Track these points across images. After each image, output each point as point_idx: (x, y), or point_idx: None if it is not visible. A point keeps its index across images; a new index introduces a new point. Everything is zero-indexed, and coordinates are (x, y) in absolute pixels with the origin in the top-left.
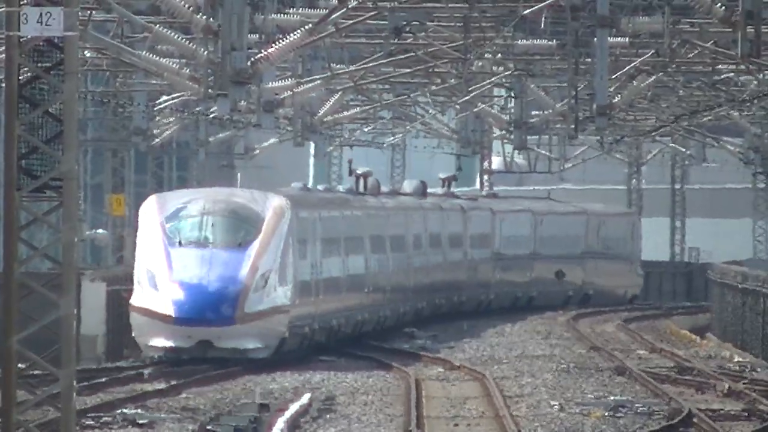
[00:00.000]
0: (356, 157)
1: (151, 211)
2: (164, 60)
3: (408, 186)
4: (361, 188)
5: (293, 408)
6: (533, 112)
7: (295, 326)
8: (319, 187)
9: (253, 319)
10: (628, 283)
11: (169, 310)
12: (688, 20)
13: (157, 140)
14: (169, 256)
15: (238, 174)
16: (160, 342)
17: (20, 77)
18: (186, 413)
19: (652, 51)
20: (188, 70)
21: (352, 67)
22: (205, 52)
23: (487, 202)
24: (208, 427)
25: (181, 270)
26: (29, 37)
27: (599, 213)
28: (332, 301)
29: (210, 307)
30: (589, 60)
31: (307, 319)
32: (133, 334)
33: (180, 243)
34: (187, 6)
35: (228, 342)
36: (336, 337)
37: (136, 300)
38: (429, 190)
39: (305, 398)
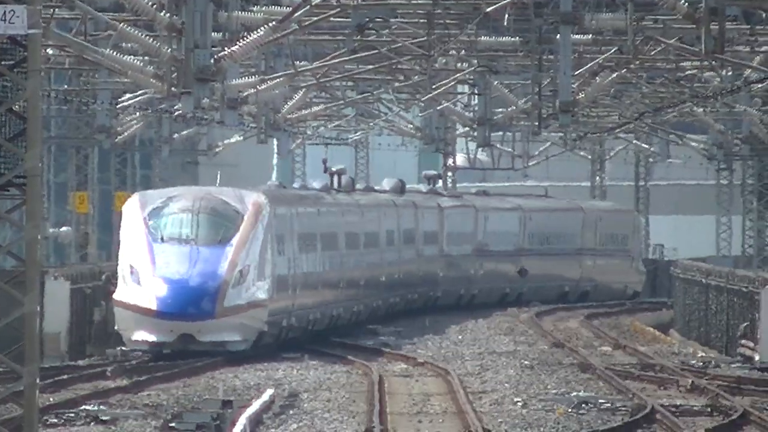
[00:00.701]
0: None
1: (134, 208)
2: (128, 57)
3: (387, 184)
4: (336, 185)
5: (256, 404)
6: (497, 109)
7: (273, 320)
8: (295, 185)
9: (233, 313)
10: (628, 279)
11: (152, 305)
12: (652, 17)
13: (120, 137)
14: (152, 252)
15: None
16: (143, 336)
17: None
18: (149, 410)
19: (616, 48)
20: (152, 68)
21: (315, 64)
22: (169, 50)
23: (472, 199)
24: (171, 424)
25: (163, 266)
26: None
27: (596, 209)
28: (308, 296)
29: (191, 302)
30: (553, 57)
31: (284, 313)
32: (116, 328)
33: (162, 239)
34: (150, 4)
35: (209, 336)
36: (312, 330)
37: (119, 295)
38: (413, 188)
39: (268, 394)
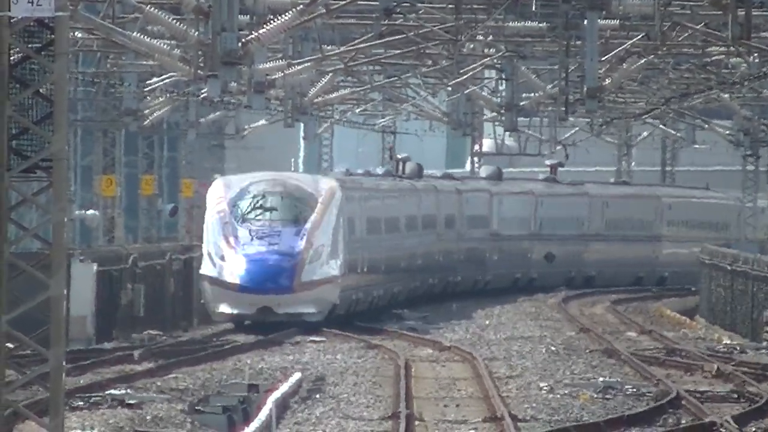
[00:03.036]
0: (347, 138)
1: (217, 191)
2: (155, 41)
3: (484, 171)
4: (401, 172)
5: (283, 388)
6: (524, 95)
7: (344, 295)
8: (359, 171)
9: (309, 288)
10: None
11: (235, 280)
12: (679, 2)
13: (147, 121)
14: (235, 232)
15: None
16: (227, 308)
17: (11, 58)
18: (175, 393)
19: (643, 33)
20: (179, 51)
21: (342, 49)
22: (196, 33)
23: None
24: (197, 408)
25: (245, 244)
26: (20, 17)
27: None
28: (373, 273)
29: (270, 278)
30: (580, 42)
31: (353, 289)
32: (202, 301)
33: (244, 220)
34: None
35: (286, 308)
36: (376, 305)
37: (205, 270)
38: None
39: (295, 378)
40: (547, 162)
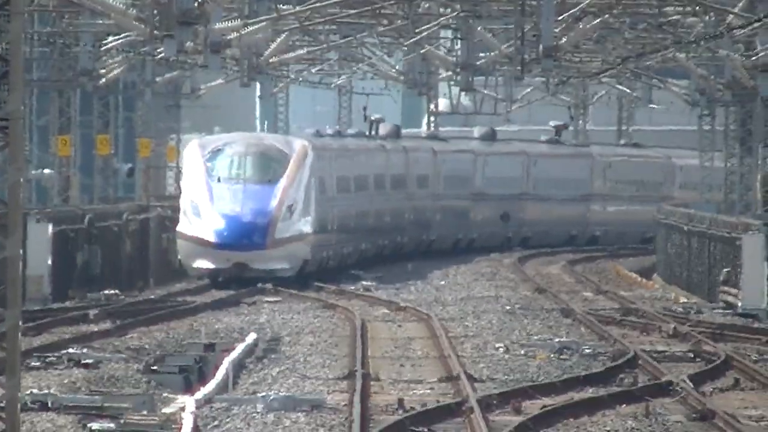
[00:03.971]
0: (303, 97)
1: (193, 152)
2: (111, 0)
3: (477, 131)
4: (373, 132)
5: (239, 348)
6: (480, 54)
7: (315, 251)
8: (328, 131)
9: (281, 244)
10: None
11: (211, 237)
12: None
13: (103, 80)
14: (210, 191)
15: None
16: (203, 264)
17: None
18: (132, 353)
19: None
20: (135, 11)
21: (298, 8)
22: None
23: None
24: (154, 368)
25: (220, 203)
26: None
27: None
28: (343, 231)
29: (245, 235)
30: (536, 2)
31: (324, 246)
32: (178, 257)
33: (219, 179)
34: None
35: (260, 264)
36: (345, 262)
37: (182, 227)
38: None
39: (251, 338)
40: (552, 123)
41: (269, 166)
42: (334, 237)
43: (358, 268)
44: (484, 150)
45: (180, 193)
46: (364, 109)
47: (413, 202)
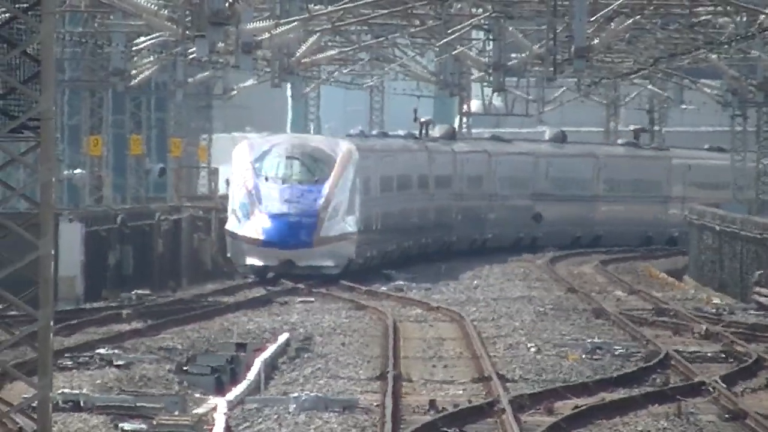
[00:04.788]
0: (334, 97)
1: (243, 153)
2: (143, 1)
3: (548, 133)
4: (424, 134)
5: (271, 348)
6: (512, 55)
7: (360, 249)
8: (374, 132)
9: (327, 243)
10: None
11: (259, 236)
12: None
13: (135, 81)
14: (258, 191)
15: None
16: (252, 261)
17: None
18: (163, 353)
19: None
20: (167, 11)
21: (330, 8)
22: None
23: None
24: (185, 368)
25: (268, 202)
26: None
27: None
28: (387, 229)
29: (292, 233)
30: (568, 2)
31: (368, 244)
32: (228, 255)
33: (267, 179)
34: None
35: (306, 261)
36: (389, 259)
37: (231, 226)
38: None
39: (283, 338)
40: (632, 127)
41: (316, 166)
42: (378, 235)
43: (398, 267)
44: (547, 152)
45: (225, 192)
46: (415, 111)
47: (462, 202)
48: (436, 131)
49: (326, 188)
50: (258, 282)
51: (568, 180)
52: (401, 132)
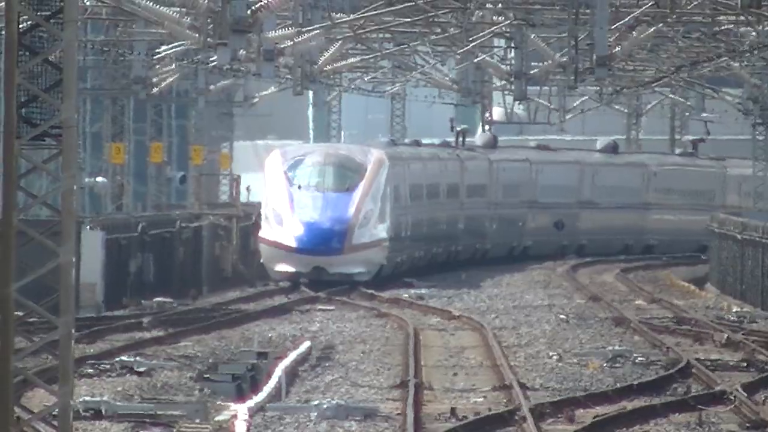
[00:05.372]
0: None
1: (275, 161)
2: (164, 9)
3: (601, 143)
4: (460, 142)
5: (292, 356)
6: (533, 63)
7: (390, 256)
8: (406, 141)
9: (358, 249)
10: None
11: (292, 242)
12: None
13: (156, 89)
14: (291, 198)
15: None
16: (284, 267)
17: (20, 25)
18: (184, 361)
19: (653, 1)
20: (188, 19)
21: (352, 16)
22: (205, 1)
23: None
24: (206, 376)
25: (300, 210)
26: None
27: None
28: (416, 236)
29: (324, 240)
30: (590, 10)
31: (398, 251)
32: (261, 261)
33: (300, 187)
34: None
35: (338, 268)
36: (418, 265)
37: (264, 233)
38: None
39: (304, 346)
40: (689, 138)
41: (347, 175)
42: (408, 243)
43: (418, 276)
44: (595, 161)
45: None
46: (451, 120)
47: (497, 211)
48: (477, 140)
49: (357, 196)
50: (278, 290)
51: (617, 189)
52: (435, 140)
